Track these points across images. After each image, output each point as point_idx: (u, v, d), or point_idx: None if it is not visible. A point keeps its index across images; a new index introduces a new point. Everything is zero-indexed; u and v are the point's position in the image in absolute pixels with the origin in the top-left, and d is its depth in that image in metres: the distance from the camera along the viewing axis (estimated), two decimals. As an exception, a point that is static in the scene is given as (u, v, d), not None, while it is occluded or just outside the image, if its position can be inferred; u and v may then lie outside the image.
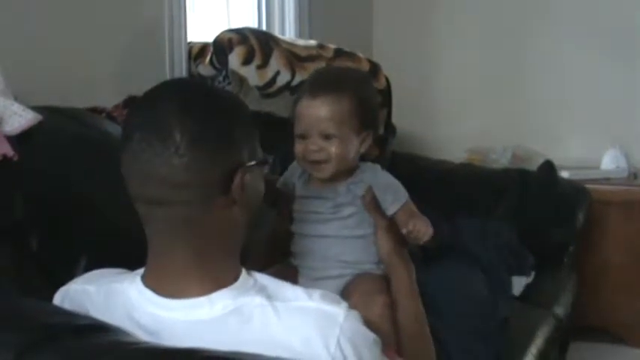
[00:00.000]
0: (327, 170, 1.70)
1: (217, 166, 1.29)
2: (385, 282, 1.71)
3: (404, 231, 1.65)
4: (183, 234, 1.31)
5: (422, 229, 1.63)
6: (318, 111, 1.68)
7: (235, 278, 1.35)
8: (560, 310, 2.76)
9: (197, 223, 1.31)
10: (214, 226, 1.32)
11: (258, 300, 1.30)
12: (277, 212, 1.85)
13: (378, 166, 1.79)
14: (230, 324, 1.28)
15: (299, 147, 1.71)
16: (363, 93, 1.75)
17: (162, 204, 1.29)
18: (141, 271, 1.38)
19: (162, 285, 1.33)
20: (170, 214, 1.30)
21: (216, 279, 1.32)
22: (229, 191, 1.31)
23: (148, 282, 1.35)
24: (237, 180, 1.31)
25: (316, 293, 1.34)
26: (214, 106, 1.32)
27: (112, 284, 1.39)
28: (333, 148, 1.68)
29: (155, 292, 1.33)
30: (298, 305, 1.31)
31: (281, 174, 1.87)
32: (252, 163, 1.35)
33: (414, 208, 1.73)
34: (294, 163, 1.80)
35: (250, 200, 1.36)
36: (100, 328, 1.25)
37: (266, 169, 1.45)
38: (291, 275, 1.74)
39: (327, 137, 1.68)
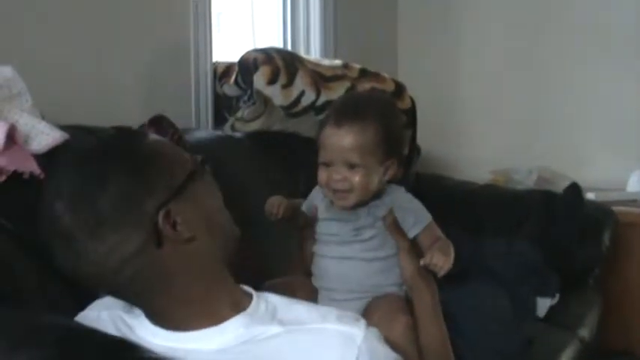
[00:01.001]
0: (350, 200, 1.70)
1: (135, 231, 1.24)
2: (406, 303, 1.71)
3: (422, 262, 1.64)
4: (158, 294, 1.29)
5: (439, 263, 1.62)
6: (342, 140, 1.67)
7: (244, 303, 1.34)
8: (585, 333, 2.74)
9: (160, 280, 1.28)
10: (181, 270, 1.29)
11: (273, 329, 1.29)
12: (303, 235, 1.86)
13: (401, 188, 1.79)
14: (245, 353, 1.27)
15: (322, 175, 1.71)
16: (389, 122, 1.74)
17: (117, 289, 1.29)
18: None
19: (166, 324, 1.32)
20: (131, 290, 1.29)
21: (221, 309, 1.32)
22: (165, 237, 1.26)
23: (155, 320, 1.34)
24: (161, 225, 1.25)
25: (332, 314, 1.33)
26: (98, 179, 1.24)
27: (123, 315, 1.39)
28: (356, 178, 1.67)
29: (163, 328, 1.32)
30: (314, 328, 1.30)
31: (305, 194, 1.87)
32: (170, 198, 1.27)
33: (437, 230, 1.73)
34: (318, 187, 1.81)
35: (199, 225, 1.31)
36: (126, 346, 1.25)
37: (196, 160, 1.36)
38: (306, 286, 1.76)
39: (351, 167, 1.67)
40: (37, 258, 1.77)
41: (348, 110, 1.73)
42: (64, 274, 1.30)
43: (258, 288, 1.42)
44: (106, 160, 1.28)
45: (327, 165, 1.70)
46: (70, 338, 1.25)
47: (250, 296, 1.36)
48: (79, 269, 1.25)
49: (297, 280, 1.81)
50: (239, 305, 1.33)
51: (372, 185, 1.70)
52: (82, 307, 1.49)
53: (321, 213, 1.80)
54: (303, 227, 1.84)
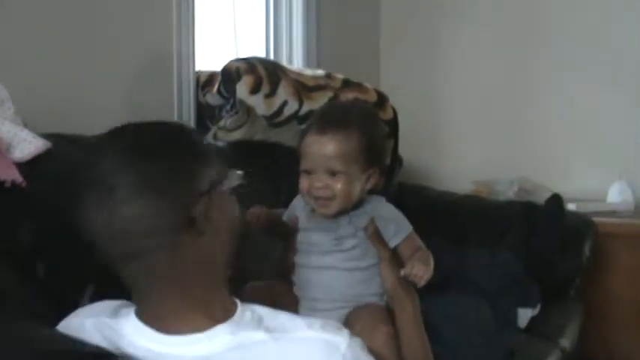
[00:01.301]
0: (332, 207, 1.70)
1: (173, 205, 1.27)
2: (388, 313, 1.71)
3: (402, 273, 1.65)
4: (163, 280, 1.31)
5: (419, 273, 1.63)
6: (325, 148, 1.68)
7: (231, 312, 1.35)
8: (566, 343, 2.75)
9: (173, 266, 1.30)
10: (191, 262, 1.31)
11: (258, 335, 1.30)
12: (284, 245, 1.86)
13: (382, 199, 1.80)
14: None
15: (304, 182, 1.71)
16: (371, 130, 1.76)
17: (133, 257, 1.29)
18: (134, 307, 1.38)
19: (158, 322, 1.32)
20: (144, 265, 1.29)
21: (211, 314, 1.32)
22: (194, 224, 1.29)
23: (144, 318, 1.34)
24: (198, 211, 1.29)
25: (316, 322, 1.34)
26: (157, 147, 1.31)
27: (108, 320, 1.39)
28: (338, 185, 1.68)
29: (152, 328, 1.32)
30: (299, 336, 1.31)
31: (287, 204, 1.87)
32: (211, 190, 1.32)
33: (417, 240, 1.74)
34: (299, 196, 1.81)
35: (220, 226, 1.35)
36: (105, 355, 1.25)
37: (237, 182, 1.41)
38: (288, 294, 1.76)
39: (333, 174, 1.68)
40: (19, 267, 1.76)
41: (331, 118, 1.74)
42: (84, 232, 1.30)
43: (240, 290, 1.42)
44: (165, 135, 1.36)
45: (309, 173, 1.71)
46: (52, 348, 1.24)
47: (235, 305, 1.36)
48: (108, 224, 1.26)
49: (279, 286, 1.81)
50: (227, 312, 1.34)
51: (354, 193, 1.71)
52: (63, 316, 1.49)
53: (302, 223, 1.80)
54: (284, 237, 1.84)
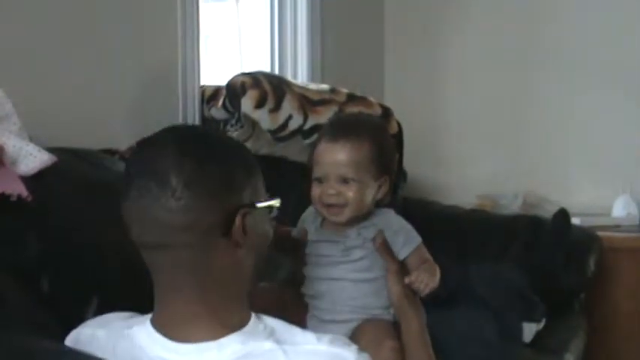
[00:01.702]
0: (344, 215, 1.71)
1: (216, 208, 1.29)
2: (394, 327, 1.71)
3: (406, 280, 1.65)
4: (187, 279, 1.32)
5: (424, 281, 1.63)
6: (337, 155, 1.69)
7: (244, 322, 1.35)
8: (570, 357, 2.75)
9: (200, 267, 1.31)
10: (218, 269, 1.32)
11: (267, 345, 1.30)
12: (292, 260, 1.86)
13: (391, 210, 1.80)
14: None
15: (316, 190, 1.72)
16: (382, 139, 1.78)
17: (164, 249, 1.30)
18: (151, 314, 1.38)
19: (171, 329, 1.33)
20: (172, 258, 1.30)
21: (225, 323, 1.32)
22: (230, 234, 1.31)
23: (158, 325, 1.34)
24: (237, 222, 1.31)
25: (325, 337, 1.34)
26: (212, 149, 1.34)
27: (121, 329, 1.39)
28: (350, 193, 1.69)
29: (165, 336, 1.32)
30: (308, 349, 1.31)
31: (293, 218, 1.87)
32: (254, 205, 1.35)
33: (425, 252, 1.74)
34: (310, 209, 1.81)
35: (254, 243, 1.36)
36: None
37: (275, 213, 1.44)
38: (298, 299, 1.77)
39: (345, 181, 1.69)
40: (24, 280, 1.76)
41: (343, 127, 1.77)
42: (124, 218, 1.32)
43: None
44: (222, 140, 1.44)
45: (321, 181, 1.72)
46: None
47: (250, 316, 1.37)
48: (149, 210, 1.28)
49: (289, 292, 1.82)
50: (241, 323, 1.34)
51: (365, 201, 1.71)
52: (68, 330, 1.49)
53: (311, 235, 1.80)
54: (290, 251, 1.84)
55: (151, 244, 1.31)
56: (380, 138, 1.78)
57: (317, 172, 1.73)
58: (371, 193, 1.72)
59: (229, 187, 1.31)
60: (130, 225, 1.32)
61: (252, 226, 1.34)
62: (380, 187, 1.75)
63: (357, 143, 1.70)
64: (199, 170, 1.28)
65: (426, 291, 1.64)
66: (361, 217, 1.74)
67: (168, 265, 1.32)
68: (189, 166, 1.27)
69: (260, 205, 1.37)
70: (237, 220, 1.31)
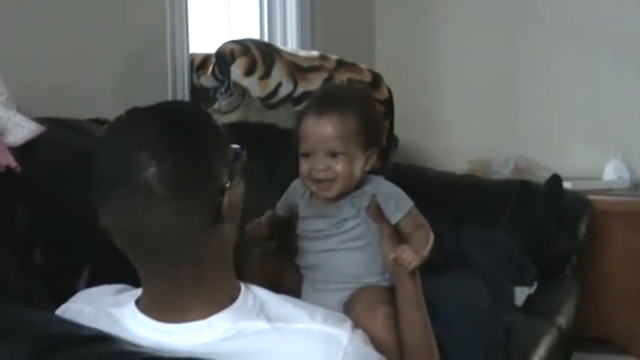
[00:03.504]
0: (333, 189, 1.70)
1: (204, 203, 1.27)
2: (390, 293, 1.71)
3: (390, 257, 1.64)
4: (182, 272, 1.30)
5: (408, 258, 1.62)
6: (324, 129, 1.68)
7: (234, 296, 1.34)
8: (562, 321, 2.76)
9: (195, 259, 1.30)
10: (209, 252, 1.31)
11: (259, 324, 1.29)
12: (278, 245, 1.86)
13: (381, 177, 1.79)
14: (231, 348, 1.27)
15: (304, 166, 1.71)
16: (369, 111, 1.77)
17: (159, 254, 1.27)
18: (137, 293, 1.37)
19: (160, 311, 1.32)
20: (167, 260, 1.28)
21: (215, 300, 1.31)
22: (220, 216, 1.29)
23: (145, 309, 1.33)
24: (225, 203, 1.29)
25: (318, 314, 1.33)
26: (189, 142, 1.27)
27: (108, 308, 1.38)
28: (339, 167, 1.68)
29: (153, 319, 1.31)
30: (301, 327, 1.30)
31: (282, 185, 1.87)
32: (233, 178, 1.32)
33: (419, 216, 1.74)
34: (296, 182, 1.81)
35: (236, 213, 1.35)
36: (105, 338, 1.25)
37: (242, 162, 1.39)
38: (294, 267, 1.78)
39: (333, 155, 1.68)
40: (16, 252, 1.76)
41: (328, 100, 1.74)
42: (103, 224, 1.29)
43: (246, 257, 1.42)
44: (197, 126, 1.32)
45: (308, 155, 1.70)
46: (50, 332, 1.24)
47: (239, 290, 1.36)
48: (139, 221, 1.23)
49: (287, 259, 1.82)
50: (230, 298, 1.33)
51: (354, 174, 1.70)
52: (61, 301, 1.49)
53: (302, 211, 1.79)
54: (282, 235, 1.84)
55: (140, 254, 1.29)
56: (367, 109, 1.76)
57: (304, 148, 1.71)
58: (359, 166, 1.71)
59: (211, 176, 1.28)
60: (114, 233, 1.28)
61: (234, 197, 1.32)
62: (368, 159, 1.73)
63: (344, 116, 1.68)
64: (182, 172, 1.23)
65: (409, 268, 1.63)
66: (351, 188, 1.74)
67: (162, 267, 1.30)
68: (171, 170, 1.22)
69: (236, 176, 1.34)
70: (225, 201, 1.29)
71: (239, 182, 1.36)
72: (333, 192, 1.70)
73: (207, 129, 1.33)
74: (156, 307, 1.32)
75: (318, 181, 1.70)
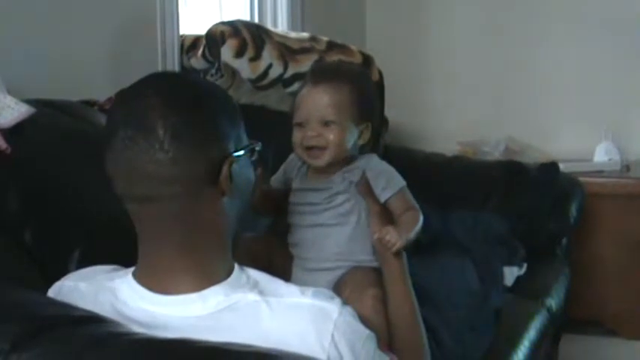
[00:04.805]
0: (324, 158, 1.71)
1: (203, 159, 1.29)
2: (379, 275, 1.72)
3: (375, 236, 1.66)
4: (173, 230, 1.31)
5: (392, 240, 1.63)
6: (318, 98, 1.70)
7: (228, 273, 1.35)
8: (552, 302, 2.77)
9: (187, 218, 1.31)
10: (204, 220, 1.32)
11: (251, 296, 1.30)
12: (276, 211, 1.86)
13: (374, 155, 1.80)
14: (223, 320, 1.28)
15: (297, 135, 1.73)
16: (363, 84, 1.80)
17: (151, 201, 1.29)
18: (133, 268, 1.38)
19: (155, 281, 1.33)
20: (159, 210, 1.30)
21: (209, 274, 1.32)
22: (217, 183, 1.31)
23: (140, 279, 1.34)
24: (224, 171, 1.31)
25: (309, 290, 1.34)
26: (197, 98, 1.32)
27: (103, 282, 1.39)
28: (331, 135, 1.69)
29: (147, 289, 1.32)
30: (292, 301, 1.31)
31: (273, 167, 1.87)
32: (239, 152, 1.34)
33: (409, 197, 1.74)
34: (292, 156, 1.81)
35: (239, 190, 1.36)
36: (95, 319, 1.25)
37: (256, 156, 1.44)
38: (284, 248, 1.78)
39: (326, 124, 1.70)
40: (6, 233, 1.76)
41: (324, 72, 1.79)
42: (107, 170, 1.31)
43: (236, 239, 1.43)
44: (205, 88, 1.40)
45: (302, 125, 1.72)
46: (41, 313, 1.24)
47: (233, 268, 1.37)
48: (136, 162, 1.26)
49: (275, 241, 1.83)
50: (224, 274, 1.35)
51: (346, 145, 1.72)
52: (51, 282, 1.49)
53: (296, 184, 1.81)
54: (275, 209, 1.85)
55: (136, 197, 1.30)
56: (361, 82, 1.79)
57: (298, 117, 1.73)
58: (352, 138, 1.73)
59: (215, 137, 1.31)
60: (115, 177, 1.31)
61: (238, 173, 1.34)
62: (361, 132, 1.75)
63: (338, 86, 1.71)
64: (186, 121, 1.27)
65: (393, 250, 1.64)
66: (344, 162, 1.75)
67: (153, 218, 1.31)
68: (175, 118, 1.26)
69: (244, 152, 1.37)
70: (224, 169, 1.30)
71: (248, 166, 1.40)
72: (322, 161, 1.72)
73: (220, 96, 1.40)
74: (151, 275, 1.33)
75: (309, 148, 1.71)
